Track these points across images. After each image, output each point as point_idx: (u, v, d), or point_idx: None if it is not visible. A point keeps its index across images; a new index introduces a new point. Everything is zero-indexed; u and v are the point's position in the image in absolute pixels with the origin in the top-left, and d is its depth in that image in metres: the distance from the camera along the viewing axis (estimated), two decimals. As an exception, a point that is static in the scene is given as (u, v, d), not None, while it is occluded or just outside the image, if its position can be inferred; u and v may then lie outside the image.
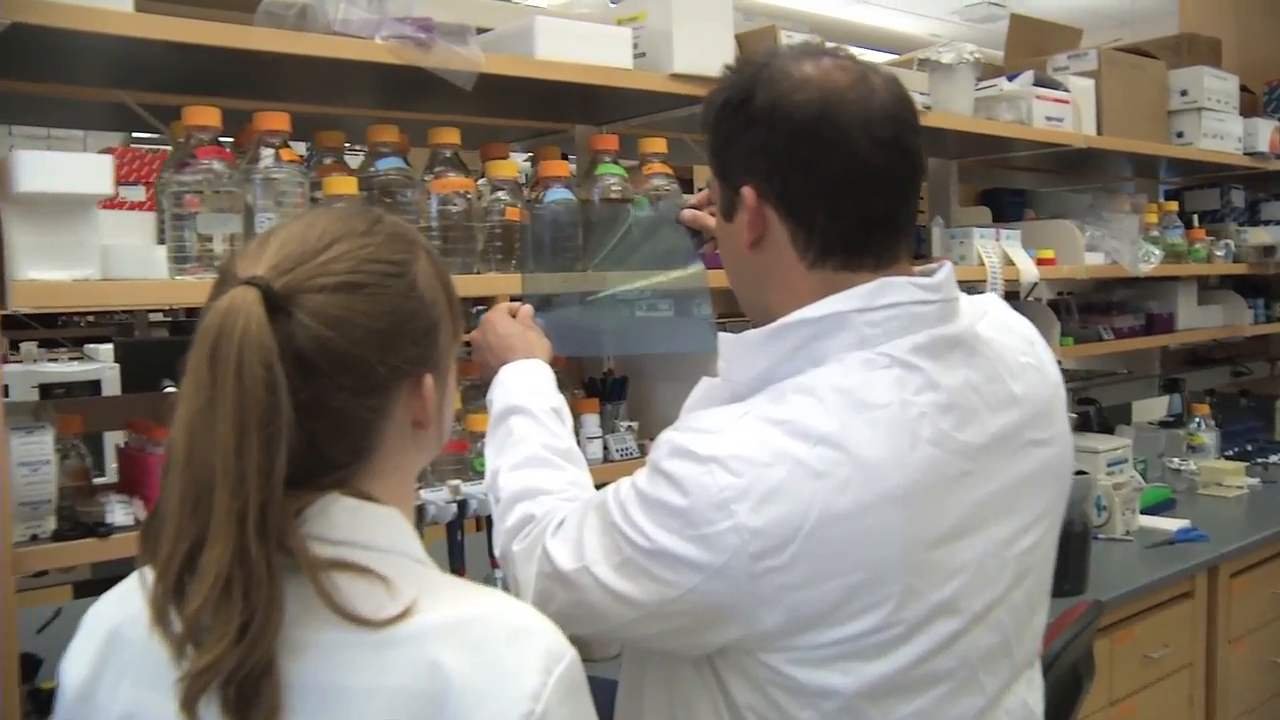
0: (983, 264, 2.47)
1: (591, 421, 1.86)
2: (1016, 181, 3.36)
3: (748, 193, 1.00)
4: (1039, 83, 2.59)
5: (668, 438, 0.97)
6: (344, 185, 1.53)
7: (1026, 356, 1.07)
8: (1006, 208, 3.08)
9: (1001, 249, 2.52)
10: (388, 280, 0.82)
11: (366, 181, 1.60)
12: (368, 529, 0.80)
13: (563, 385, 2.02)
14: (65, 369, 3.94)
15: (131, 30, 1.33)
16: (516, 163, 1.72)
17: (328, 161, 1.69)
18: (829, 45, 1.05)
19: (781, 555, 0.90)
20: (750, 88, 1.00)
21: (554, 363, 1.95)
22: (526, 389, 1.29)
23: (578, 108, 1.99)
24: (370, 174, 1.61)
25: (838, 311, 0.96)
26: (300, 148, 1.66)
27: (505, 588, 1.09)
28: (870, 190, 0.98)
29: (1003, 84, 2.51)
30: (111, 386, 3.85)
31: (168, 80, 1.63)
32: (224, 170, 1.43)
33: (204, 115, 1.42)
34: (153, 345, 4.37)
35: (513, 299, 1.67)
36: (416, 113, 1.90)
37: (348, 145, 1.74)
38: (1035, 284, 2.74)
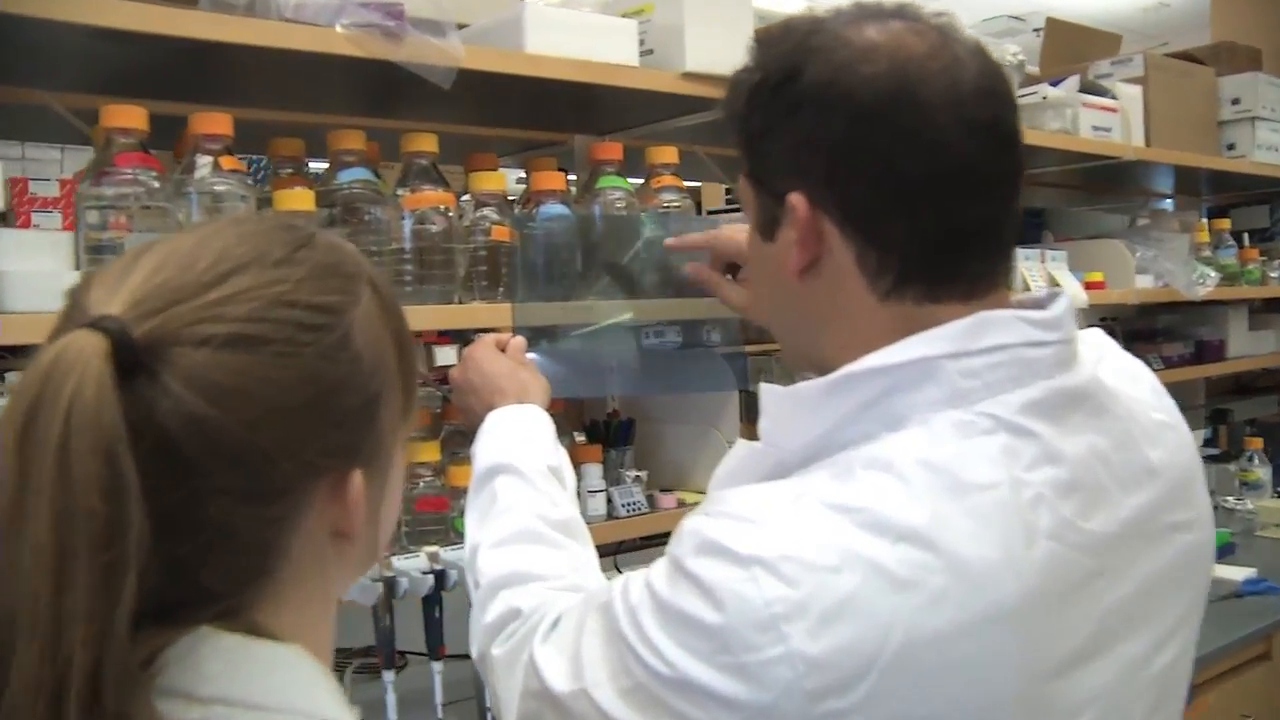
0: (1027, 288, 2.23)
1: (594, 472, 1.61)
2: (1034, 200, 3.11)
3: (797, 201, 0.76)
4: (1084, 89, 2.35)
5: (695, 526, 0.72)
6: (296, 200, 1.29)
7: (1160, 413, 0.82)
8: (1024, 229, 2.82)
9: (1048, 271, 2.28)
10: (306, 334, 0.57)
11: (326, 196, 1.36)
12: (253, 679, 0.55)
13: (560, 429, 1.79)
14: None
15: (38, 10, 1.10)
16: (504, 175, 1.48)
17: (285, 174, 1.45)
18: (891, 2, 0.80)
19: (850, 694, 0.65)
20: (796, 61, 0.76)
21: (550, 406, 1.70)
22: (517, 442, 1.05)
23: (576, 114, 1.75)
24: (331, 188, 1.37)
25: (923, 357, 0.72)
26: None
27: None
28: (964, 192, 0.73)
29: (1046, 89, 2.27)
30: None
31: (98, 79, 1.40)
32: (152, 181, 1.19)
33: (126, 115, 1.18)
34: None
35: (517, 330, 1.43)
36: (393, 119, 1.66)
37: (317, 158, 1.51)
38: (1083, 310, 2.50)
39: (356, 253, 0.64)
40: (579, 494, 1.61)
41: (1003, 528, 0.68)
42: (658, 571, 0.73)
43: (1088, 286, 2.37)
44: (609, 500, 1.63)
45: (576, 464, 1.63)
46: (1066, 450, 0.72)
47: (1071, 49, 2.85)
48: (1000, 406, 0.71)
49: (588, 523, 1.60)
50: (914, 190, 0.73)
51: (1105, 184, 3.17)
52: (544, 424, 1.09)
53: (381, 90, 1.51)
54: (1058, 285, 2.27)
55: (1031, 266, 2.23)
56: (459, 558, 1.37)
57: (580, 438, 1.78)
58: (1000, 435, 0.70)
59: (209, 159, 1.23)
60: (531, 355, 1.22)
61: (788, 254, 0.78)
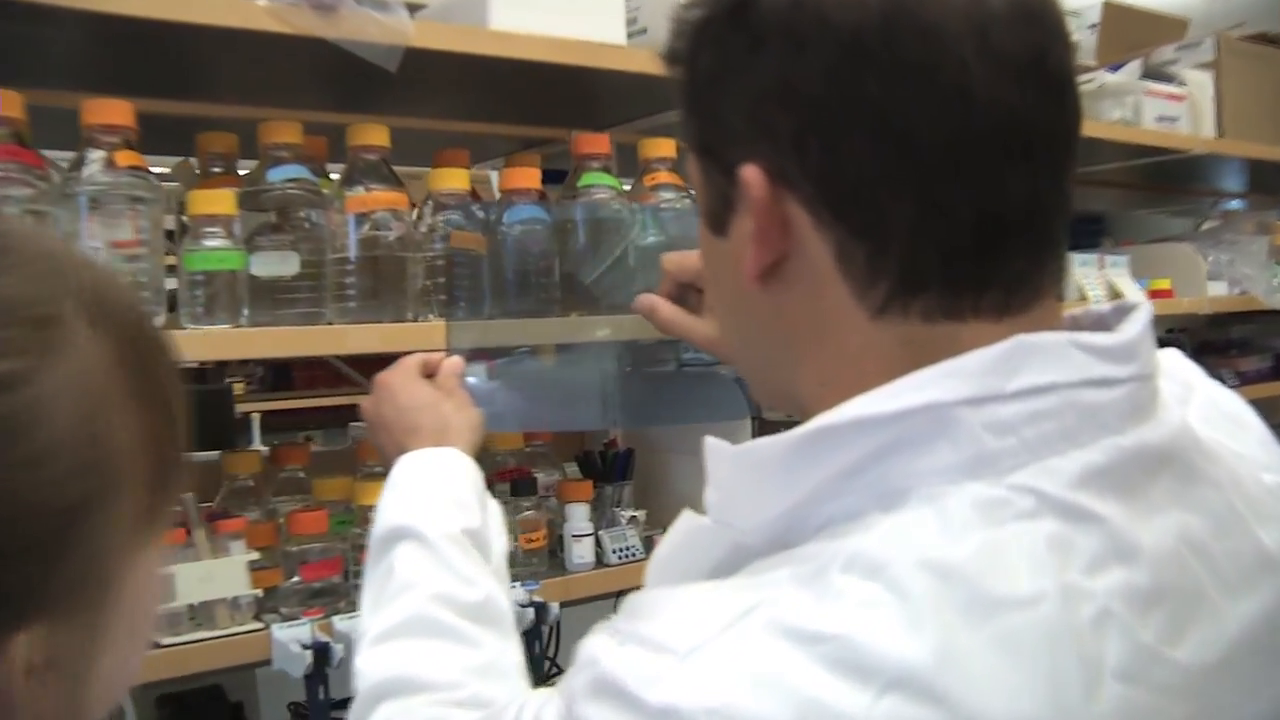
0: (1084, 298, 1.99)
1: (579, 514, 1.40)
2: (1091, 202, 2.84)
3: (751, 176, 0.54)
4: (1148, 75, 2.11)
5: (595, 652, 0.50)
6: (210, 201, 1.10)
7: (1274, 473, 0.59)
8: (1080, 235, 2.55)
9: (1107, 280, 2.04)
10: None
11: (253, 198, 1.17)
12: None
13: (548, 462, 1.59)
14: None
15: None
16: (466, 174, 1.28)
17: (215, 173, 1.26)
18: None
19: None
20: None
21: (540, 432, 1.48)
22: (425, 498, 0.85)
23: (567, 106, 1.54)
24: (260, 188, 1.18)
25: (932, 403, 0.50)
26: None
27: None
28: (994, 159, 0.52)
29: (1104, 75, 2.03)
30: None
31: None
32: (34, 181, 1.01)
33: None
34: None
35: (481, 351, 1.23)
36: (355, 113, 1.47)
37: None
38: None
39: (62, 260, 0.43)
40: (562, 540, 1.40)
41: (1049, 666, 0.45)
42: (552, 709, 0.52)
43: (1153, 295, 2.12)
44: (598, 545, 1.42)
45: (562, 504, 1.43)
46: (1145, 541, 0.49)
47: (1131, 36, 2.59)
48: (1047, 477, 0.49)
49: (571, 571, 1.42)
50: (919, 156, 0.51)
51: (1169, 182, 2.90)
52: (462, 472, 0.89)
53: (335, 78, 1.32)
54: (1120, 295, 2.02)
55: (1088, 274, 1.99)
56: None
57: (572, 469, 1.58)
58: (1046, 521, 0.48)
59: (101, 154, 1.04)
60: (472, 380, 1.01)
61: (742, 251, 0.56)
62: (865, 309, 0.54)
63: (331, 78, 1.33)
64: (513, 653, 0.79)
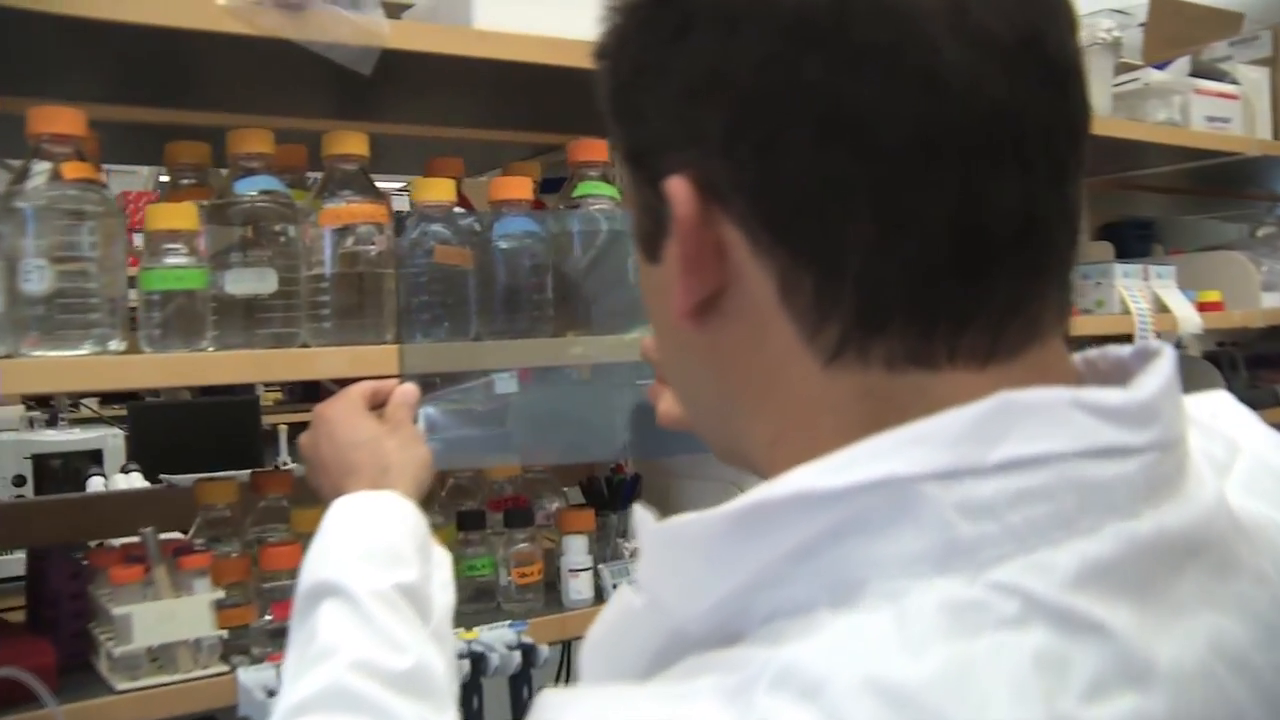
0: (1127, 311, 1.87)
1: (577, 547, 1.31)
2: (1141, 207, 2.69)
3: (677, 188, 0.45)
4: (1197, 72, 1.98)
5: None
6: (172, 216, 1.03)
7: None
8: (1130, 242, 2.40)
9: (1152, 291, 1.91)
10: None
11: (219, 212, 1.09)
12: None
13: (549, 489, 1.50)
14: (64, 436, 3.54)
15: None
16: (453, 183, 1.20)
17: (186, 184, 1.19)
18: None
19: None
20: None
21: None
22: (355, 550, 0.76)
23: (561, 109, 1.46)
24: (228, 200, 1.10)
25: (892, 477, 0.40)
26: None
27: None
28: (974, 163, 0.41)
29: (1150, 74, 1.91)
30: (115, 457, 3.44)
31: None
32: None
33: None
34: (173, 409, 3.97)
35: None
36: (344, 120, 1.40)
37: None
38: (1196, 335, 2.12)
39: None
40: (558, 573, 1.31)
41: None
42: None
43: (1202, 308, 1.99)
44: (597, 577, 1.33)
45: (560, 534, 1.34)
46: (1164, 656, 0.39)
47: (1182, 31, 2.46)
48: (1037, 575, 0.38)
49: (569, 608, 1.33)
50: (876, 159, 0.41)
51: (1223, 186, 2.76)
52: (399, 518, 0.80)
53: (318, 82, 1.25)
54: (1166, 309, 1.90)
55: (1131, 286, 1.87)
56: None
57: (572, 491, 1.49)
58: (1034, 631, 0.38)
59: (47, 166, 0.97)
60: (430, 410, 0.93)
61: (670, 282, 0.47)
62: (816, 353, 0.44)
63: (315, 82, 1.25)
64: None
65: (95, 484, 2.96)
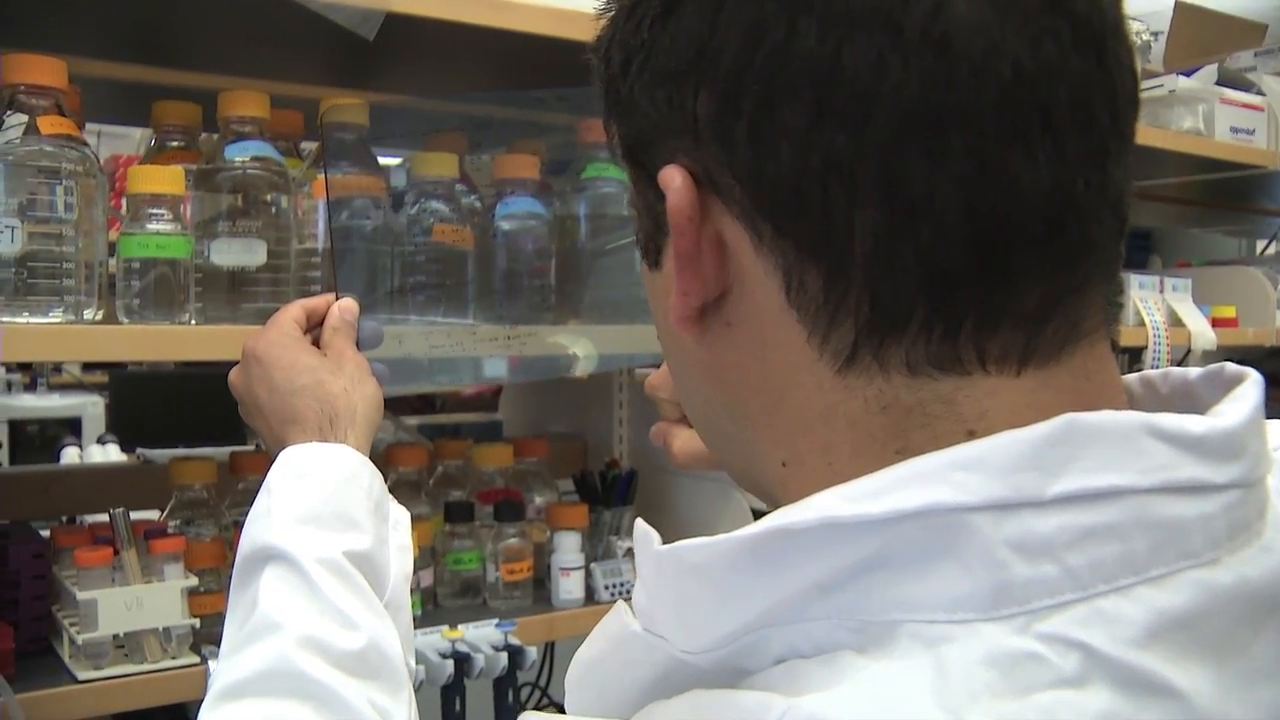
0: (1142, 323, 1.82)
1: (568, 544, 1.26)
2: (1139, 217, 2.64)
3: (670, 179, 0.40)
4: (1223, 81, 1.93)
5: None
6: (157, 180, 0.97)
7: None
8: (1128, 252, 2.35)
9: (1167, 304, 1.87)
10: None
11: (207, 178, 1.03)
12: None
13: (542, 482, 1.44)
14: (42, 402, 3.47)
15: None
16: (455, 158, 1.13)
17: (173, 146, 1.13)
18: None
19: None
20: None
21: (532, 448, 1.31)
22: (300, 510, 0.69)
23: (570, 85, 1.40)
24: (216, 166, 1.04)
25: (936, 506, 0.34)
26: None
27: None
28: (993, 138, 0.36)
29: (1175, 80, 1.86)
30: (95, 425, 3.37)
31: None
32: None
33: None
34: (155, 380, 3.89)
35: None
36: (353, 90, 1.34)
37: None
38: (1209, 351, 2.07)
39: None
40: (548, 570, 1.26)
41: None
42: None
43: (1216, 323, 1.95)
44: (589, 577, 1.27)
45: (551, 530, 1.28)
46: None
47: (1203, 41, 2.41)
48: (1101, 627, 0.33)
49: (558, 608, 1.28)
50: (879, 135, 0.36)
51: (1237, 199, 2.71)
52: (350, 477, 0.72)
53: (319, 47, 1.19)
54: (1181, 323, 1.85)
55: (1146, 298, 1.82)
56: None
57: (567, 488, 1.44)
58: (1096, 692, 0.33)
59: (23, 118, 0.90)
60: (371, 323, 0.83)
61: (666, 284, 0.42)
62: (828, 360, 0.38)
63: (314, 46, 1.19)
64: (401, 714, 0.65)
65: (69, 455, 2.89)
